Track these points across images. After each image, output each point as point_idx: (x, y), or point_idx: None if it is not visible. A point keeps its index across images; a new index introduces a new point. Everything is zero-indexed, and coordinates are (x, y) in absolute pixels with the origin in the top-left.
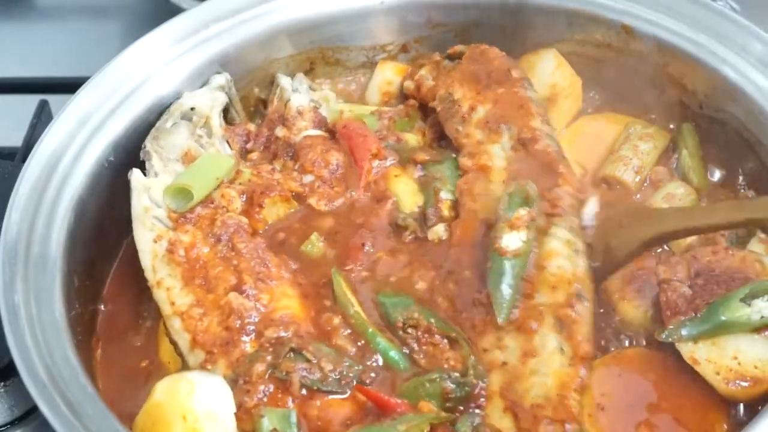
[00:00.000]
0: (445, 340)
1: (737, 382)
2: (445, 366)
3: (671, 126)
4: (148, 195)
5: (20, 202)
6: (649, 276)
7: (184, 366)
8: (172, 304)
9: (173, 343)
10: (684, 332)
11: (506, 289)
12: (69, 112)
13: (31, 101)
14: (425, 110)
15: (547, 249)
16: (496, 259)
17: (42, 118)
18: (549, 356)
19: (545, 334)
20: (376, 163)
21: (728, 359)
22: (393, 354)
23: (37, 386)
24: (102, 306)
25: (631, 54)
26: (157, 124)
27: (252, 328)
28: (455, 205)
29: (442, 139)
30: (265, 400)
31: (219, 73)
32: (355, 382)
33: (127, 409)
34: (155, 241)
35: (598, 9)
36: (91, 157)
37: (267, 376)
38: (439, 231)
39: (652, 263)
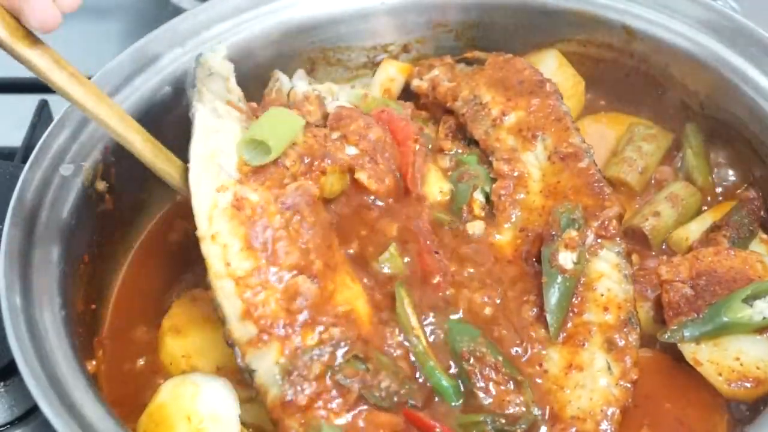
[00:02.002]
0: (511, 382)
1: (739, 382)
2: (508, 407)
3: (673, 126)
4: (216, 138)
5: (21, 204)
6: (650, 276)
7: (227, 335)
8: (228, 264)
9: (216, 305)
10: (686, 333)
11: (561, 306)
12: (69, 112)
13: (31, 101)
14: (431, 110)
15: (596, 270)
16: (554, 275)
17: (42, 118)
18: (597, 373)
19: (594, 351)
20: (417, 146)
21: (730, 360)
22: (447, 387)
23: (39, 388)
24: (104, 307)
25: (632, 54)
26: (194, 73)
27: (315, 316)
28: (485, 207)
29: (456, 140)
30: (317, 401)
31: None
32: (409, 403)
33: (128, 411)
34: (218, 191)
35: (599, 9)
36: (92, 157)
37: (327, 378)
38: (476, 227)
39: (654, 264)
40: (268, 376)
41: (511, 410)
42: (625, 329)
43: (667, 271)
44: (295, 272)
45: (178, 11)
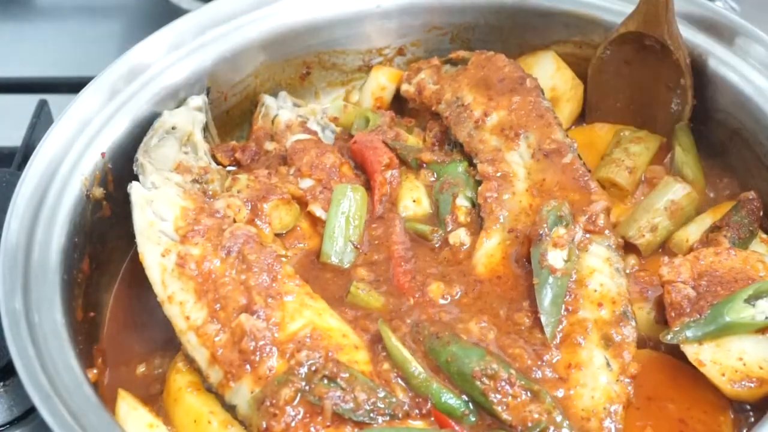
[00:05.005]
0: (528, 393)
1: (742, 383)
2: (530, 419)
3: (669, 126)
4: (152, 208)
5: (19, 210)
6: (651, 278)
7: (204, 381)
8: (187, 318)
9: (189, 359)
10: (689, 334)
11: (555, 305)
12: (67, 117)
13: (31, 101)
14: (420, 115)
15: (587, 266)
16: (545, 275)
17: (41, 118)
18: (597, 371)
19: (592, 348)
20: (389, 173)
21: (733, 360)
22: (457, 405)
23: (40, 395)
24: (101, 315)
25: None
26: (144, 140)
27: (270, 348)
28: (471, 211)
29: (443, 144)
30: (293, 425)
31: (197, 94)
32: (388, 416)
33: None
34: (163, 255)
35: (595, 11)
36: (89, 163)
37: (297, 401)
38: (460, 235)
39: (655, 265)
40: (246, 409)
41: (534, 422)
42: (621, 324)
43: (669, 272)
44: (240, 312)
45: (177, 11)
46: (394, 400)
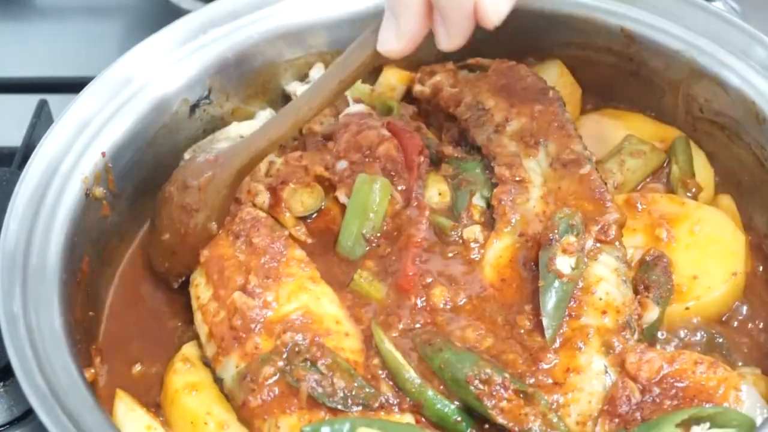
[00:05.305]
0: (523, 395)
1: None
2: (527, 421)
3: (671, 128)
4: None
5: (18, 210)
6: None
7: (203, 355)
8: (198, 299)
9: (198, 338)
10: None
11: (558, 310)
12: (67, 118)
13: (31, 101)
14: (432, 117)
15: (595, 274)
16: (551, 279)
17: (41, 118)
18: (595, 376)
19: (591, 354)
20: (421, 158)
21: None
22: (452, 413)
23: (37, 396)
24: (100, 314)
25: (631, 58)
26: (198, 143)
27: (258, 327)
28: (485, 212)
29: (459, 146)
30: (269, 401)
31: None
32: (362, 406)
33: None
34: None
35: (597, 13)
36: (89, 163)
37: (275, 380)
38: (475, 231)
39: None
40: (230, 383)
41: (530, 425)
42: (623, 333)
43: (631, 364)
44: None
45: (178, 11)
46: (369, 390)
